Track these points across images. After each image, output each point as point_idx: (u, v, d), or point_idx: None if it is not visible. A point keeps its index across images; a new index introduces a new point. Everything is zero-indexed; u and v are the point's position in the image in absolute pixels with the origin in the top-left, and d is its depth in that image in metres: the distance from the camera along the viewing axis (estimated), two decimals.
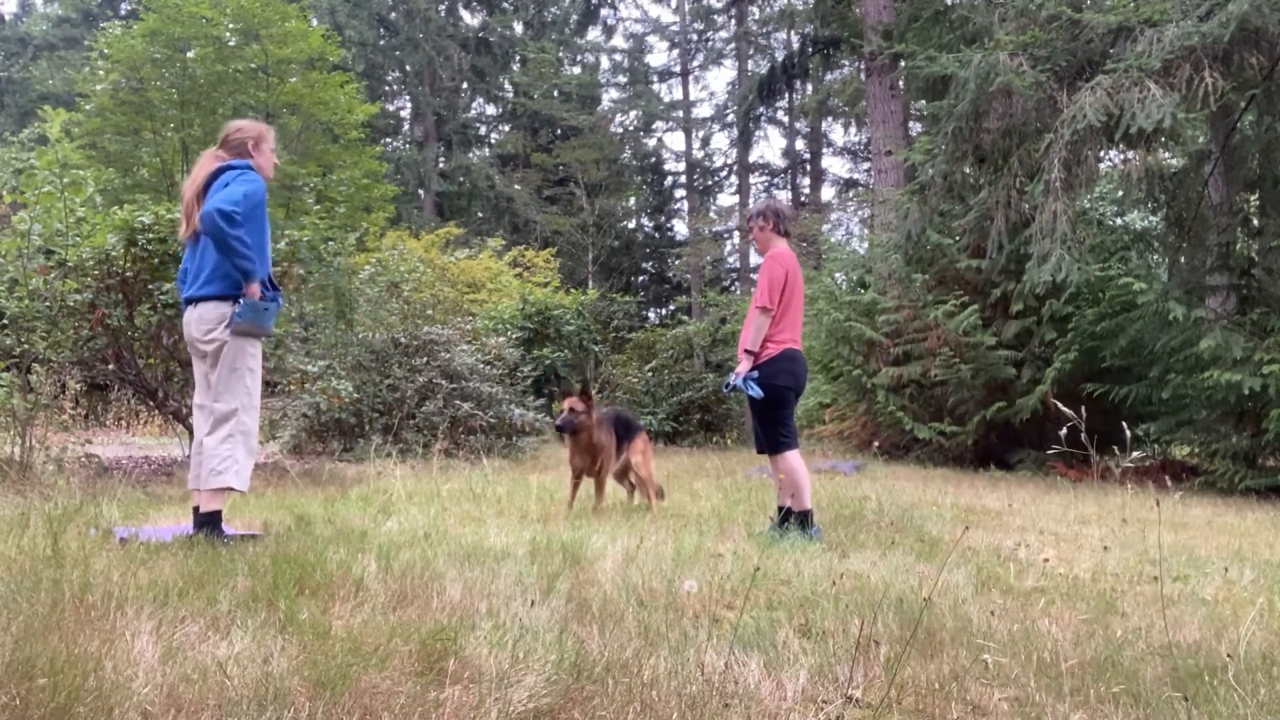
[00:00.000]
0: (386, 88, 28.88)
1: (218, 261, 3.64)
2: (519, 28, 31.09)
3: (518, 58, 30.27)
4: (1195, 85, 7.06)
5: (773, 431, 4.41)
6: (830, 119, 28.80)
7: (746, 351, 4.37)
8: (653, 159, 31.56)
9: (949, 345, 9.98)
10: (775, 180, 30.78)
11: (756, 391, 4.31)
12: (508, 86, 30.88)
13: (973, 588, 3.20)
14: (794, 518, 4.30)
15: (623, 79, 31.44)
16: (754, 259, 27.82)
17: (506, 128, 31.93)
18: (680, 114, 29.30)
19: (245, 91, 15.61)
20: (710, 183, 30.39)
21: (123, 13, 27.58)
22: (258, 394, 3.79)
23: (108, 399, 11.50)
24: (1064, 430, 3.28)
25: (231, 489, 3.66)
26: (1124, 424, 4.02)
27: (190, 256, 3.83)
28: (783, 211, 4.61)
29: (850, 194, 28.02)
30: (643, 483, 5.40)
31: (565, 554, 3.46)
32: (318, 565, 2.98)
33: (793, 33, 25.87)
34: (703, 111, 30.49)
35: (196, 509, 3.71)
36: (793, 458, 4.39)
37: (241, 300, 3.62)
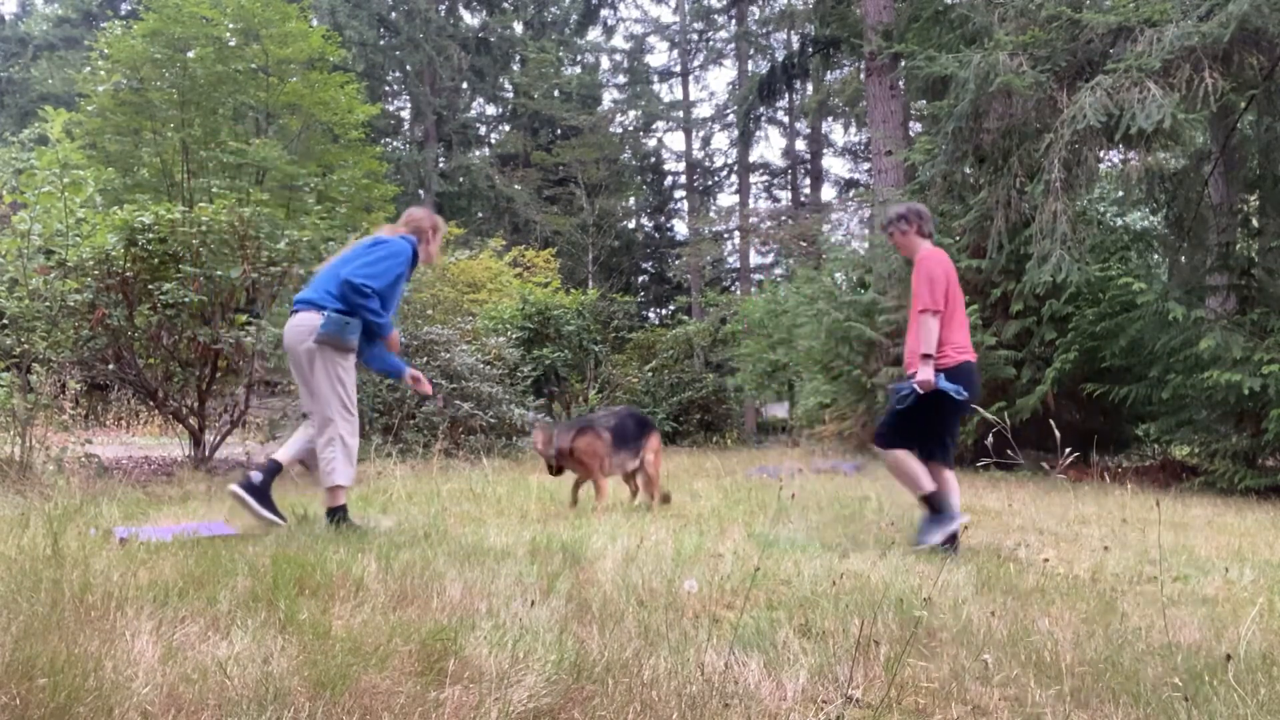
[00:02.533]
0: (386, 88, 28.87)
1: (325, 276, 4.09)
2: (519, 28, 31.08)
3: (518, 58, 30.26)
4: (1195, 85, 7.07)
5: (898, 429, 4.15)
6: (830, 119, 28.81)
7: (925, 355, 4.05)
8: (653, 159, 31.58)
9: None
10: (775, 180, 30.82)
11: (959, 390, 4.02)
12: (508, 86, 30.87)
13: (973, 588, 3.20)
14: (922, 505, 4.14)
15: (623, 79, 31.46)
16: (754, 259, 27.86)
17: (506, 128, 31.93)
18: (680, 114, 29.31)
19: (245, 92, 15.62)
20: (710, 183, 30.41)
21: (123, 13, 27.56)
22: (352, 400, 4.13)
23: (108, 399, 11.50)
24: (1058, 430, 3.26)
25: (340, 485, 4.06)
26: (1109, 425, 3.98)
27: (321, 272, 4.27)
28: (924, 213, 4.37)
29: (850, 194, 28.02)
30: (649, 482, 5.41)
31: (565, 554, 3.46)
32: (318, 565, 2.98)
33: (793, 33, 25.87)
34: (703, 111, 30.54)
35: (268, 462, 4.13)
36: (900, 453, 4.17)
37: (329, 313, 3.98)
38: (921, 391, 4.04)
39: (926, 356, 4.05)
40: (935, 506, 4.12)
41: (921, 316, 4.09)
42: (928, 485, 4.12)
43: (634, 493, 5.60)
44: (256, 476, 4.03)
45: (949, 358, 4.10)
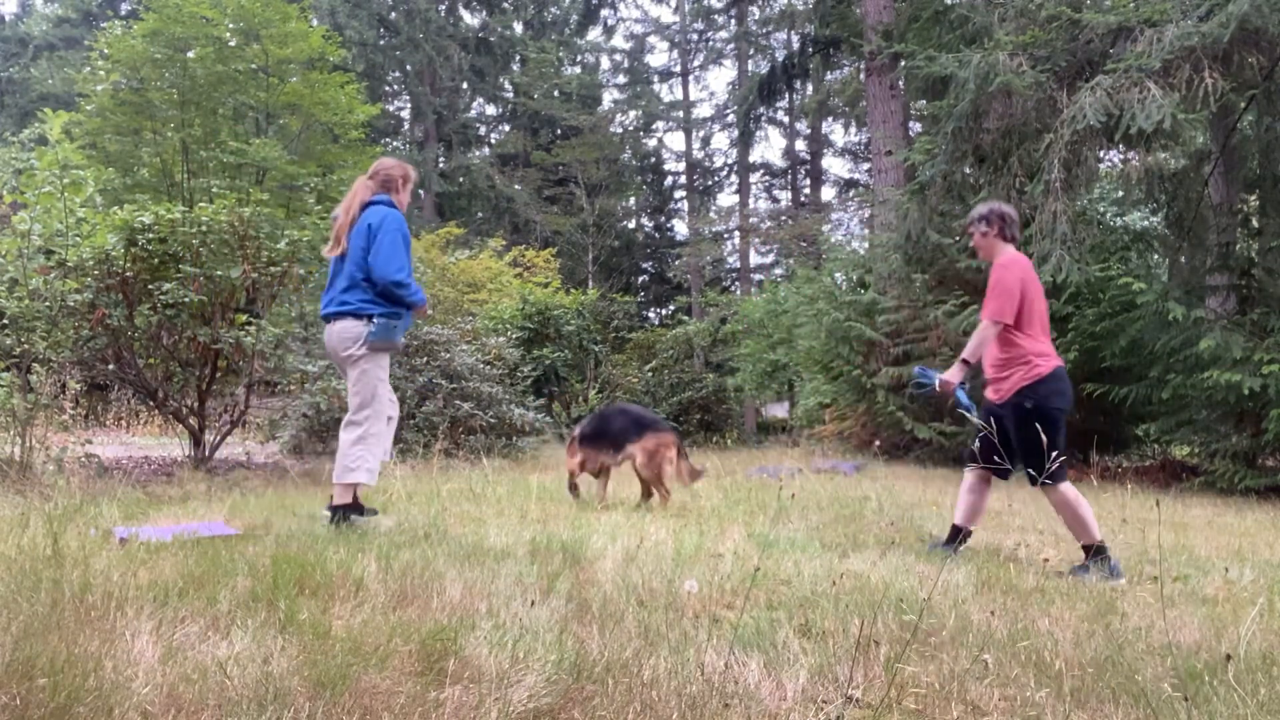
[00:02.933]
0: (386, 88, 28.88)
1: (351, 280, 4.20)
2: (519, 28, 31.09)
3: (518, 58, 30.28)
4: (1195, 85, 7.07)
5: (1044, 461, 3.79)
6: (830, 119, 28.83)
7: (964, 361, 3.91)
8: (653, 159, 31.60)
9: (949, 345, 9.98)
10: (775, 180, 30.83)
11: (969, 406, 3.92)
12: (508, 86, 30.88)
13: (973, 588, 3.20)
14: (1086, 552, 3.85)
15: (623, 79, 31.49)
16: (754, 259, 27.86)
17: (506, 128, 31.95)
18: (680, 114, 29.33)
19: (245, 91, 15.63)
20: (710, 183, 30.43)
21: (123, 13, 27.57)
22: (384, 400, 4.28)
23: (108, 399, 11.50)
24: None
25: (361, 484, 4.18)
26: (1109, 425, 3.87)
27: (332, 273, 4.35)
28: (1009, 215, 4.15)
29: (850, 194, 28.04)
30: (645, 482, 5.48)
31: (565, 554, 3.46)
32: (318, 565, 2.98)
33: (793, 33, 25.89)
34: (703, 111, 30.57)
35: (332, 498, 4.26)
36: (1067, 488, 3.87)
37: (375, 319, 4.13)
38: (939, 390, 3.97)
39: (965, 362, 3.93)
40: (1100, 550, 3.84)
41: (984, 323, 3.95)
42: (1096, 535, 3.86)
43: (646, 494, 5.63)
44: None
45: (1039, 367, 3.91)
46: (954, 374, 3.93)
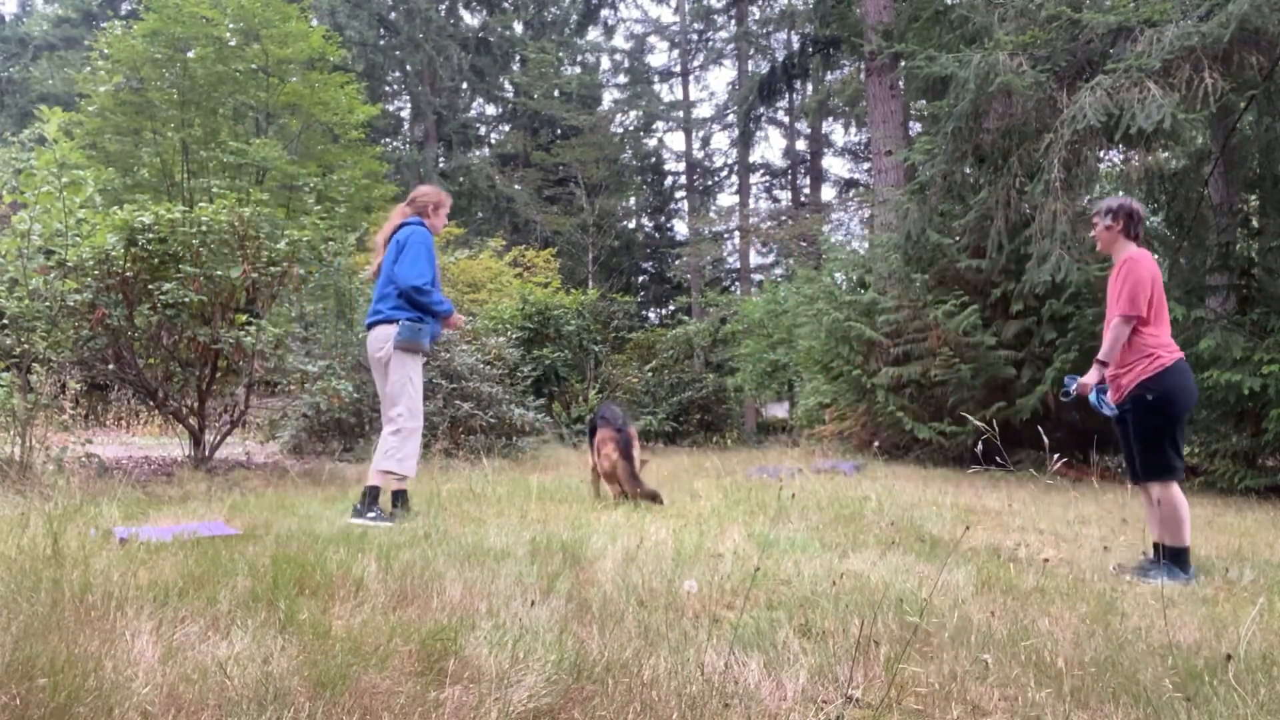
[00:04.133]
0: (386, 88, 28.86)
1: (385, 293, 4.67)
2: (519, 28, 31.08)
3: (518, 58, 30.26)
4: (1195, 85, 7.06)
5: (1158, 455, 3.83)
6: (830, 119, 28.83)
7: (1099, 362, 3.86)
8: (653, 159, 31.58)
9: (949, 345, 9.97)
10: (775, 180, 30.83)
11: (1111, 409, 3.89)
12: (508, 86, 30.87)
13: (973, 588, 3.20)
14: (1166, 553, 3.83)
15: (623, 79, 31.47)
16: (754, 259, 27.84)
17: (506, 128, 31.93)
18: (680, 114, 29.32)
19: (245, 92, 15.64)
20: (710, 183, 30.42)
21: (123, 13, 27.55)
22: (420, 399, 4.69)
23: (108, 399, 11.50)
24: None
25: (392, 473, 4.56)
26: (1109, 425, 3.78)
27: (376, 289, 4.85)
28: (1136, 213, 4.02)
29: (850, 194, 28.03)
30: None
31: (565, 554, 3.46)
32: (318, 565, 2.98)
33: (793, 33, 25.90)
34: (703, 111, 30.57)
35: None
36: (1176, 489, 3.86)
37: (403, 322, 4.55)
38: (1077, 394, 3.93)
39: (1102, 363, 3.87)
40: (1184, 562, 3.80)
41: (1120, 320, 3.85)
42: (1188, 540, 3.84)
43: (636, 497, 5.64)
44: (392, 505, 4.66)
45: (1161, 358, 3.85)
46: (1091, 376, 3.87)
